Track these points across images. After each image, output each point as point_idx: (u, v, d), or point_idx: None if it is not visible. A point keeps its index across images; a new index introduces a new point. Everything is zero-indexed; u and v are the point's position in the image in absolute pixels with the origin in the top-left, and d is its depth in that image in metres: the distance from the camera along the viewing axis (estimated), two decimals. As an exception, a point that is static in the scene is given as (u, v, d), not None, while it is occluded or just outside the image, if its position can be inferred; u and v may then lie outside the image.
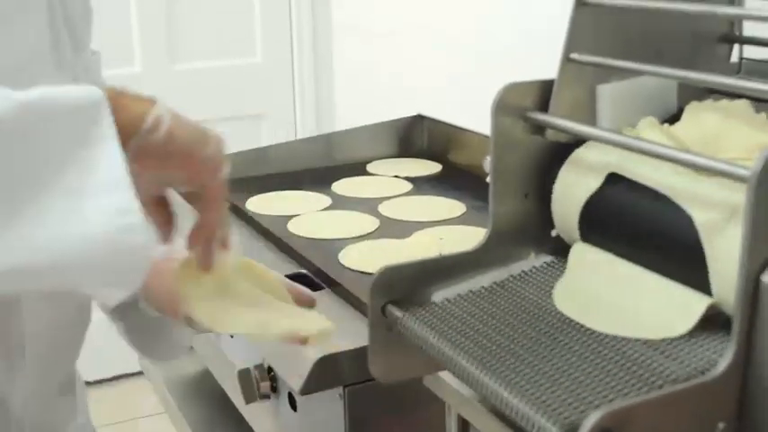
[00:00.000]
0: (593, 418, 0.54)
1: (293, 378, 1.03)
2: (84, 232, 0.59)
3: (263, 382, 1.16)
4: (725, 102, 0.76)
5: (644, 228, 0.73)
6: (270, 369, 1.16)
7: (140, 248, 0.61)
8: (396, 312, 0.76)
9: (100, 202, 0.59)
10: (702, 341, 0.67)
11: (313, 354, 1.01)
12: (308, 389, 1.01)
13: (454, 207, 1.50)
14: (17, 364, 0.88)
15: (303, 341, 0.76)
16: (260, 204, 1.55)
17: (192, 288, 0.73)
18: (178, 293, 0.74)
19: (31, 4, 0.82)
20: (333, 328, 0.77)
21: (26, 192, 0.59)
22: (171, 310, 0.87)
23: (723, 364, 0.60)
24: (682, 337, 0.67)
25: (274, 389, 1.16)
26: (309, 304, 0.86)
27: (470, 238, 1.27)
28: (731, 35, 0.87)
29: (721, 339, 0.66)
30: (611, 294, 0.73)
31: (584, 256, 0.78)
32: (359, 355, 0.99)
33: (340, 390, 1.03)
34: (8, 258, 0.58)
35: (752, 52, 0.88)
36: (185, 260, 0.74)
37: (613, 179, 0.76)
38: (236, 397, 1.26)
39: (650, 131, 0.76)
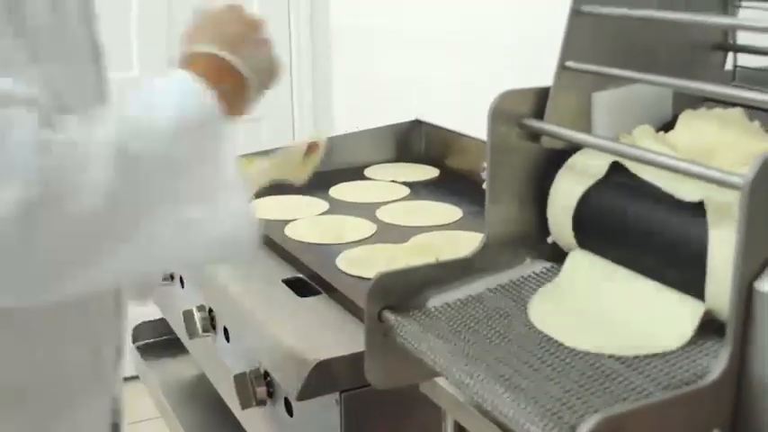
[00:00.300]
0: (589, 423, 0.54)
1: (290, 383, 1.03)
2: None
3: (259, 387, 1.16)
4: (719, 110, 0.77)
5: (636, 231, 0.73)
6: (266, 374, 1.16)
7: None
8: (392, 318, 0.76)
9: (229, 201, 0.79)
10: (696, 347, 0.67)
11: (310, 359, 1.01)
12: (305, 394, 1.01)
13: (451, 212, 1.50)
14: (123, 312, 0.96)
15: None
16: (257, 208, 1.55)
17: None
18: None
19: None
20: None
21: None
22: None
23: (717, 370, 0.61)
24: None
25: (271, 394, 1.16)
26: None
27: (467, 243, 1.27)
28: (725, 44, 0.88)
29: (714, 345, 0.67)
30: (602, 311, 0.73)
31: (578, 269, 0.78)
32: (355, 360, 0.99)
33: (336, 395, 1.03)
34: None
35: (746, 60, 0.89)
36: None
37: (604, 182, 0.77)
38: (232, 402, 1.26)
39: (645, 139, 0.77)
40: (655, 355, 0.67)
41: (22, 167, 0.63)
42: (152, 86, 0.77)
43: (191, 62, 0.81)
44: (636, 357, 0.67)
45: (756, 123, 0.75)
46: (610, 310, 0.72)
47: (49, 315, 0.82)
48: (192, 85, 0.77)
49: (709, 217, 0.65)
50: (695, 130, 0.75)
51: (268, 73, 0.88)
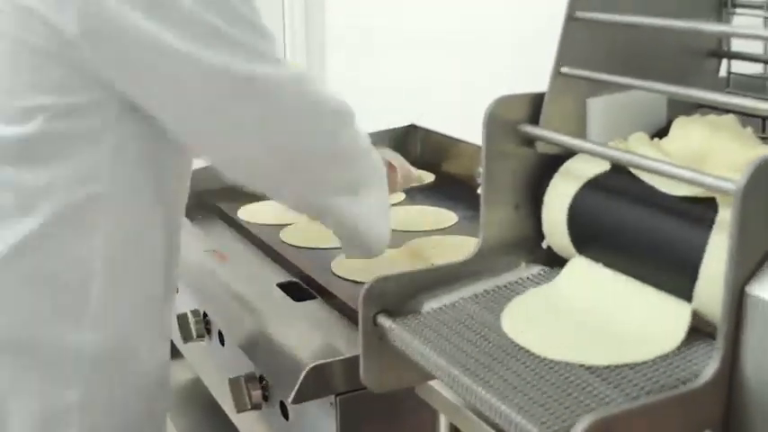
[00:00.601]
0: (581, 425, 0.55)
1: (285, 387, 1.04)
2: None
3: (254, 390, 1.16)
4: (712, 116, 0.78)
5: (630, 234, 0.74)
6: (261, 378, 1.16)
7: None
8: (387, 322, 0.77)
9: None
10: (688, 349, 0.68)
11: (305, 363, 1.02)
12: (300, 398, 1.01)
13: (447, 217, 1.51)
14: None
15: None
16: (252, 213, 1.55)
17: None
18: None
19: None
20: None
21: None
22: None
23: (709, 372, 0.61)
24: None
25: (266, 398, 1.16)
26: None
27: (463, 248, 1.28)
28: (719, 50, 0.89)
29: (707, 347, 0.67)
30: (590, 320, 0.74)
31: (576, 276, 0.79)
32: (351, 363, 0.99)
33: (332, 398, 1.04)
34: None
35: (740, 67, 0.89)
36: None
37: (595, 186, 0.77)
38: (228, 406, 1.26)
39: (640, 146, 0.77)
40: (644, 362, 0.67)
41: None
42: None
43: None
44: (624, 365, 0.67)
45: (749, 130, 0.75)
46: (598, 319, 0.73)
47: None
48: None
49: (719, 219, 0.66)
50: (688, 136, 0.76)
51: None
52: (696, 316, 0.68)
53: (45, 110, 0.91)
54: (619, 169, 0.76)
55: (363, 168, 1.09)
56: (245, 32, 0.92)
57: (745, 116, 0.78)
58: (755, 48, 0.87)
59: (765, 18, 0.84)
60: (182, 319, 1.36)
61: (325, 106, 1.04)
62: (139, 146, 0.97)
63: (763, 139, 0.81)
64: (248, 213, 1.55)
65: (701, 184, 0.65)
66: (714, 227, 0.66)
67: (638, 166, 0.71)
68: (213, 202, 1.62)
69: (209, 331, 1.35)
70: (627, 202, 0.74)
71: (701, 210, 0.68)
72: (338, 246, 1.36)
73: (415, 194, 1.66)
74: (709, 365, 0.61)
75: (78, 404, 0.99)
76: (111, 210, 0.96)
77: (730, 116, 0.77)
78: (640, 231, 0.72)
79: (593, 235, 0.78)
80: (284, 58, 1.03)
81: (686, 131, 0.76)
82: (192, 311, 1.37)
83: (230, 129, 0.96)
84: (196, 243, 1.44)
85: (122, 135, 0.95)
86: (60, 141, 0.93)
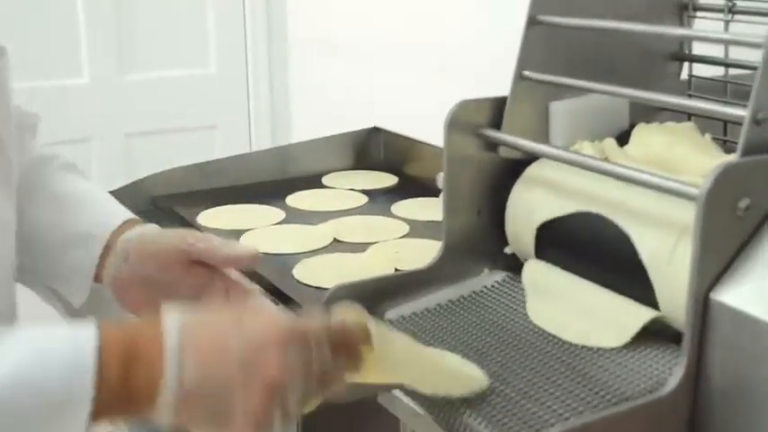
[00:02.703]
0: (546, 438, 0.54)
1: (246, 395, 1.02)
2: None
3: (215, 399, 1.14)
4: (671, 124, 0.77)
5: (594, 241, 0.73)
6: (223, 386, 1.14)
7: None
8: (349, 330, 0.75)
9: None
10: (654, 354, 0.67)
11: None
12: (262, 406, 1.00)
13: (410, 220, 1.50)
14: None
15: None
16: (212, 218, 1.53)
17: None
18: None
19: None
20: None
21: None
22: None
23: (675, 379, 0.61)
24: (634, 349, 0.68)
25: (227, 406, 1.15)
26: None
27: (427, 251, 1.27)
28: (681, 54, 0.89)
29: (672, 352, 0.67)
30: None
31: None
32: (313, 371, 0.98)
33: (294, 407, 1.02)
34: None
35: (700, 70, 0.89)
36: None
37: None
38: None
39: (611, 152, 0.77)
40: (609, 358, 0.67)
41: None
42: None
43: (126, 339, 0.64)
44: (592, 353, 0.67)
45: (708, 137, 0.75)
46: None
47: None
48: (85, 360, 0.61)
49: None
50: (648, 144, 0.76)
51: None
52: (661, 322, 0.68)
53: None
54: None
55: None
56: None
57: (705, 121, 0.78)
58: (716, 51, 0.87)
59: (726, 22, 0.84)
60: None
61: None
62: None
63: (724, 141, 0.81)
64: (208, 219, 1.53)
65: (665, 190, 0.64)
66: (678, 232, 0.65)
67: (601, 172, 0.71)
68: (171, 206, 1.59)
69: (169, 339, 1.33)
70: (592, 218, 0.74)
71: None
72: (302, 251, 1.35)
73: (379, 197, 1.65)
74: (674, 373, 0.61)
75: None
76: None
77: (689, 124, 0.77)
78: (605, 238, 0.72)
79: (557, 241, 0.77)
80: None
81: (646, 140, 0.76)
82: (151, 319, 1.34)
83: None
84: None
85: None
86: None
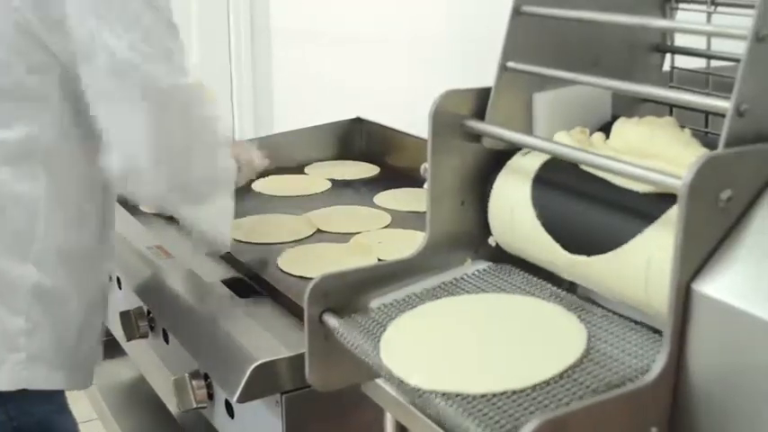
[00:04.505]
0: (530, 426, 0.54)
1: (230, 385, 1.02)
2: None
3: (199, 390, 1.14)
4: (651, 118, 0.78)
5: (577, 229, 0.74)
6: (206, 376, 1.14)
7: None
8: (332, 321, 0.76)
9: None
10: (636, 344, 0.68)
11: (250, 361, 1.00)
12: (246, 396, 1.00)
13: (393, 211, 1.50)
14: None
15: None
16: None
17: None
18: None
19: None
20: None
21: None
22: None
23: (656, 370, 0.61)
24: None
25: (211, 396, 1.15)
26: None
27: (410, 241, 1.27)
28: (663, 45, 0.89)
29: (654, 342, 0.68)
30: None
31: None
32: (296, 361, 0.98)
33: (277, 397, 1.02)
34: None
35: (683, 62, 0.90)
36: None
37: (541, 183, 0.77)
38: (172, 404, 1.24)
39: (589, 142, 0.77)
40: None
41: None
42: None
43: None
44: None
45: (687, 132, 0.76)
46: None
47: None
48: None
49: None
50: (628, 137, 0.76)
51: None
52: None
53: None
54: (562, 163, 0.76)
55: (216, 184, 1.21)
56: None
57: (684, 113, 0.78)
58: (698, 43, 0.88)
59: (708, 13, 0.85)
60: (125, 316, 1.34)
61: (209, 126, 1.16)
62: (78, 107, 1.09)
63: (705, 133, 0.81)
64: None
65: (648, 181, 0.65)
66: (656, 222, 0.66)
67: (585, 163, 0.71)
68: (156, 196, 1.59)
69: (152, 329, 1.32)
70: (578, 195, 0.74)
71: (652, 203, 0.68)
72: (285, 240, 1.35)
73: (361, 187, 1.65)
74: (655, 363, 0.61)
75: (24, 330, 1.13)
76: (51, 158, 1.11)
77: (669, 118, 0.78)
78: (590, 225, 0.72)
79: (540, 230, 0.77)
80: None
81: (626, 133, 0.76)
82: (135, 309, 1.34)
83: (123, 120, 1.08)
84: (139, 239, 1.41)
85: (65, 94, 1.09)
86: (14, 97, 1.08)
